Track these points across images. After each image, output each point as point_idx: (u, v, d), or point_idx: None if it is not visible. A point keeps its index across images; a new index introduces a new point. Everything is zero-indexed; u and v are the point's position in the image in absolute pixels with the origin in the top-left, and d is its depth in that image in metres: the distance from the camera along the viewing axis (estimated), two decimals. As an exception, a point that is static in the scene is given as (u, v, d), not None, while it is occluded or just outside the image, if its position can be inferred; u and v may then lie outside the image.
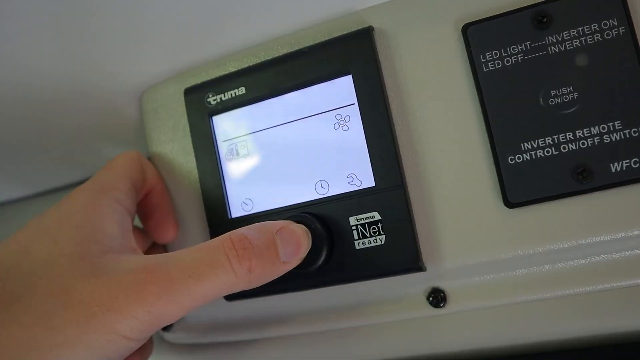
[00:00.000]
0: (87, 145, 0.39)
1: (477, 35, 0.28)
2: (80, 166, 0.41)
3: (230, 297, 0.32)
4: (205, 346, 0.36)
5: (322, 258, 0.29)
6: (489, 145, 0.28)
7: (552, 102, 0.27)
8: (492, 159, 0.28)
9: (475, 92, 0.28)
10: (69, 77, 0.33)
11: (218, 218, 0.32)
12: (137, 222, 0.33)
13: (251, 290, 0.30)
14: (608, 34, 0.26)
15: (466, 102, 0.29)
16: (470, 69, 0.28)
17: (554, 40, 0.27)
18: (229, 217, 0.32)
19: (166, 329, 0.37)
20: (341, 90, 0.30)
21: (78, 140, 0.38)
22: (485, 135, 0.28)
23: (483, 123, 0.28)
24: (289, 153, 0.31)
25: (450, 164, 0.29)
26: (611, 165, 0.26)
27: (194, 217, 0.34)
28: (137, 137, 0.38)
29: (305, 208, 0.30)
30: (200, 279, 0.23)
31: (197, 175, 0.34)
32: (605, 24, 0.27)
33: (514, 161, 0.28)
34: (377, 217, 0.29)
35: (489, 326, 0.30)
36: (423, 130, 0.29)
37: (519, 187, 0.27)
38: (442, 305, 0.30)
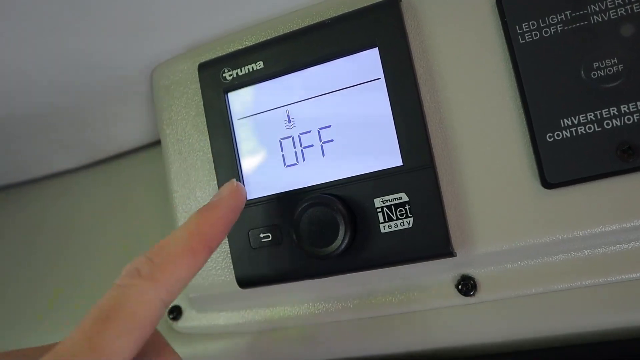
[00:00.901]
0: (97, 126, 0.37)
1: (513, 5, 0.27)
2: (90, 148, 0.40)
3: (243, 284, 0.30)
4: (216, 335, 0.34)
5: (345, 242, 0.27)
6: (525, 122, 0.27)
7: (594, 75, 0.25)
8: (529, 136, 0.26)
9: (511, 66, 0.27)
10: (78, 54, 0.31)
11: None
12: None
13: (267, 276, 0.29)
14: (657, 2, 0.25)
15: (501, 77, 0.27)
16: (505, 41, 0.27)
17: (597, 9, 0.26)
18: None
19: (175, 318, 0.35)
20: (366, 64, 0.28)
21: (87, 120, 0.37)
22: (522, 111, 0.27)
23: (519, 99, 0.27)
24: (309, 131, 0.29)
25: (483, 142, 0.27)
26: (659, 142, 0.24)
27: (206, 199, 0.32)
28: (148, 116, 0.36)
29: (326, 189, 0.29)
30: None
31: (210, 156, 0.32)
32: (653, -9, 0.25)
33: (552, 139, 0.26)
34: (405, 198, 0.27)
35: (522, 317, 0.29)
36: (454, 107, 0.28)
37: (558, 167, 0.26)
38: (472, 293, 0.28)
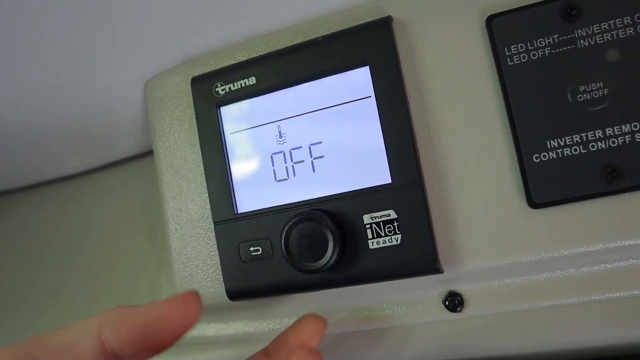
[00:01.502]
0: (90, 136, 0.38)
1: (502, 27, 0.27)
2: (83, 157, 0.40)
3: (233, 296, 0.30)
4: (206, 346, 0.35)
5: (334, 257, 0.28)
6: (512, 142, 0.27)
7: (580, 98, 0.26)
8: (516, 156, 0.27)
9: (499, 87, 0.27)
10: (71, 65, 0.32)
11: (224, 213, 0.31)
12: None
13: (257, 289, 0.29)
14: (641, 28, 0.25)
15: (489, 97, 0.28)
16: (494, 62, 0.27)
17: (584, 34, 0.26)
18: (235, 212, 0.31)
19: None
20: (357, 82, 0.29)
21: (81, 131, 0.37)
22: (509, 132, 0.27)
23: (507, 119, 0.27)
24: (300, 147, 0.30)
25: (471, 161, 0.28)
26: (642, 165, 0.25)
27: (198, 211, 0.33)
28: (142, 128, 0.36)
29: (316, 204, 0.29)
30: None
31: (202, 168, 0.32)
32: (638, 17, 0.25)
33: (539, 159, 0.26)
34: (393, 215, 0.28)
35: (508, 333, 0.29)
36: (443, 126, 0.28)
37: (544, 187, 0.26)
38: (459, 309, 0.29)
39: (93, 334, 0.22)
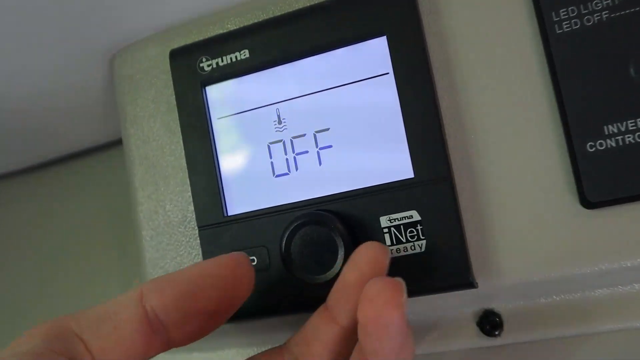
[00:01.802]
0: (43, 125, 0.38)
1: (548, -12, 0.27)
2: (36, 148, 0.40)
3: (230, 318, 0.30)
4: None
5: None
6: (562, 128, 0.27)
7: (645, 73, 0.26)
8: (566, 146, 0.27)
9: (545, 61, 0.27)
10: (11, 40, 0.32)
11: (210, 217, 0.31)
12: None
13: (251, 308, 0.29)
14: None
15: (533, 74, 0.28)
16: (538, 30, 0.27)
17: (650, -6, 0.26)
18: (225, 214, 0.31)
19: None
20: (372, 55, 0.29)
21: (37, 118, 0.37)
22: (558, 116, 0.27)
23: (555, 100, 0.27)
24: (303, 134, 0.30)
25: (510, 151, 0.28)
26: None
27: (178, 214, 0.33)
28: (107, 113, 0.37)
29: (323, 204, 0.29)
30: None
31: (184, 161, 0.33)
32: None
33: (594, 149, 0.26)
34: (416, 217, 0.28)
35: (556, 362, 0.29)
36: (476, 109, 0.28)
37: (601, 183, 0.26)
38: (496, 333, 0.29)
39: (134, 300, 0.25)
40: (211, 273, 0.25)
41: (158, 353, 0.25)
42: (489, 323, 0.29)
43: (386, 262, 0.25)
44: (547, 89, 0.27)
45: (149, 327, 0.24)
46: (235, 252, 0.26)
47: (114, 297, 0.25)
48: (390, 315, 0.22)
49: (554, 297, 0.29)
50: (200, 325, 0.25)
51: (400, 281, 0.23)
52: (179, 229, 0.33)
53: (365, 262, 0.25)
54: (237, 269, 0.26)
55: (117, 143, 0.41)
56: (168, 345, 0.25)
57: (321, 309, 0.27)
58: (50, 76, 0.35)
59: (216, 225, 0.31)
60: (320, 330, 0.26)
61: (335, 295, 0.26)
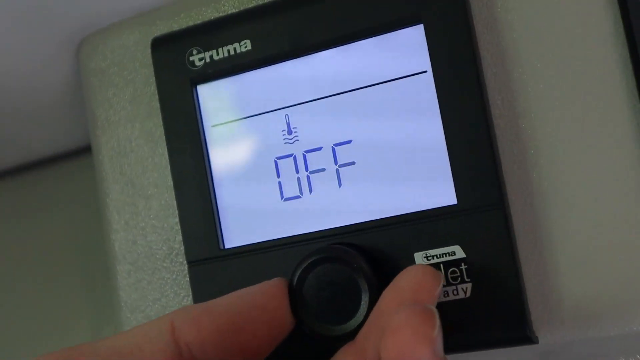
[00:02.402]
0: (1, 128, 0.43)
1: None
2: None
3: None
4: None
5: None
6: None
7: None
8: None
9: (628, 53, 0.31)
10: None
11: (203, 250, 0.35)
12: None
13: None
14: None
15: (614, 74, 0.31)
16: (619, 12, 0.31)
17: None
18: (221, 247, 0.35)
19: None
20: (405, 48, 0.33)
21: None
22: None
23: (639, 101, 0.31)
24: (319, 148, 0.34)
25: (582, 172, 0.31)
26: None
27: (162, 246, 0.38)
28: (74, 114, 0.41)
29: (342, 237, 0.33)
30: None
31: (170, 179, 0.37)
32: None
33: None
34: (460, 253, 0.32)
35: None
36: (538, 118, 0.32)
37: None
38: (562, 399, 0.33)
39: (164, 333, 0.28)
40: (257, 304, 0.30)
41: None
42: (554, 387, 0.33)
43: (435, 292, 0.28)
44: (629, 85, 0.31)
45: None
46: (278, 279, 0.31)
47: (136, 326, 0.29)
48: (418, 352, 0.24)
49: (638, 356, 0.33)
50: None
51: (432, 309, 0.26)
52: (164, 264, 0.38)
53: (408, 287, 0.28)
54: (284, 299, 0.31)
55: (85, 152, 0.45)
56: None
57: (348, 345, 0.31)
58: (9, 64, 0.39)
59: (210, 261, 0.35)
60: None
61: (367, 327, 0.30)
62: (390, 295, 0.29)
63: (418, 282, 0.29)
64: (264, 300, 0.30)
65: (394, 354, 0.25)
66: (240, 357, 0.30)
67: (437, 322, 0.25)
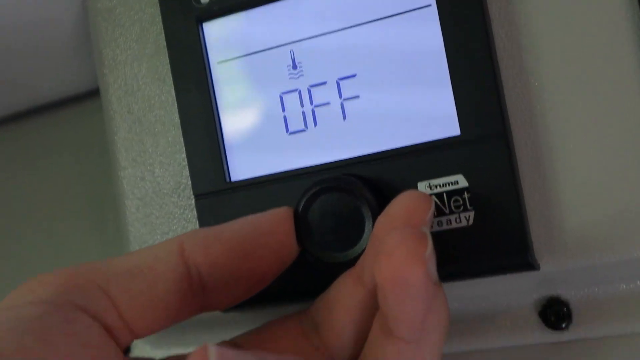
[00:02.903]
0: (6, 71, 0.43)
1: None
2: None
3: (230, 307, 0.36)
4: None
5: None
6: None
7: None
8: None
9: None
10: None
11: (210, 184, 0.36)
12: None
13: (265, 294, 0.35)
14: None
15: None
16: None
17: None
18: (227, 180, 0.36)
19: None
20: (410, -19, 0.33)
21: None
22: None
23: None
24: (324, 82, 0.35)
25: (585, 101, 0.32)
26: None
27: (170, 180, 0.39)
28: (81, 55, 0.42)
29: (348, 168, 0.34)
30: None
31: (176, 116, 0.38)
32: None
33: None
34: (463, 182, 0.32)
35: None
36: (542, 51, 0.33)
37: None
38: (563, 326, 0.34)
39: (174, 254, 0.30)
40: (265, 230, 0.31)
41: (188, 318, 0.31)
42: (554, 314, 0.34)
43: (425, 214, 0.29)
44: (636, 17, 0.31)
45: (188, 287, 0.29)
46: (284, 207, 0.33)
47: (145, 247, 0.30)
48: (410, 272, 0.25)
49: (638, 282, 0.33)
50: (243, 289, 0.31)
51: (423, 230, 0.27)
52: (171, 199, 0.39)
53: (400, 213, 0.29)
54: (291, 226, 0.32)
55: (94, 93, 0.46)
56: (202, 309, 0.31)
57: (348, 271, 0.32)
58: (3, 10, 0.40)
59: (217, 194, 0.36)
60: (344, 294, 0.31)
61: (365, 253, 0.31)
62: (383, 221, 0.30)
63: (409, 207, 0.29)
64: (271, 227, 0.32)
65: (388, 275, 0.26)
66: (246, 283, 0.31)
67: (429, 243, 0.26)
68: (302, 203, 0.34)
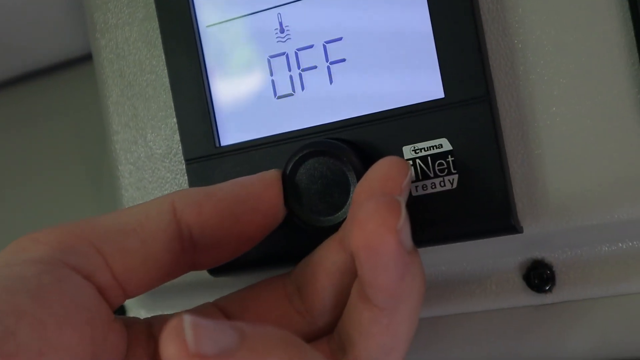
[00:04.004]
0: None
1: None
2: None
3: (214, 269, 0.37)
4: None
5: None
6: (634, 34, 0.31)
7: None
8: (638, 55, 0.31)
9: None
10: None
11: (200, 148, 0.37)
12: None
13: (248, 257, 0.36)
14: None
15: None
16: None
17: None
18: (217, 145, 0.37)
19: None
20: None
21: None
22: (630, 23, 0.31)
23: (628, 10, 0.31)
24: (311, 46, 0.35)
25: (568, 65, 0.32)
26: None
27: (162, 145, 0.39)
28: (73, 19, 0.43)
29: (333, 132, 0.35)
30: None
31: (166, 80, 0.39)
32: None
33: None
34: (447, 146, 0.33)
35: (624, 326, 0.35)
36: (526, 11, 0.33)
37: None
38: (547, 288, 0.35)
39: (166, 213, 0.30)
40: (255, 193, 0.32)
41: (178, 276, 0.32)
42: (538, 276, 0.35)
43: (401, 181, 0.30)
44: None
45: (179, 245, 0.30)
46: (273, 170, 0.33)
47: (138, 204, 0.31)
48: (382, 242, 0.26)
49: (619, 244, 0.34)
50: (231, 249, 0.32)
51: (397, 199, 0.27)
52: (163, 163, 0.40)
53: (377, 178, 0.30)
54: (279, 189, 0.33)
55: (87, 58, 0.47)
56: (190, 267, 0.32)
57: (332, 235, 0.33)
58: None
59: (207, 158, 0.37)
60: (327, 259, 0.32)
61: (347, 221, 0.32)
62: (361, 187, 0.31)
63: (386, 173, 0.30)
64: (260, 189, 0.32)
65: (361, 244, 0.27)
66: (235, 243, 0.32)
67: (403, 212, 0.27)
68: (290, 166, 0.34)
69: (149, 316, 0.34)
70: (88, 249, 0.29)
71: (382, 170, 0.30)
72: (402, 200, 0.28)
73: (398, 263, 0.27)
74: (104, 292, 0.30)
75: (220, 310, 0.34)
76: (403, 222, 0.27)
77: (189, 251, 0.31)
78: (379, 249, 0.26)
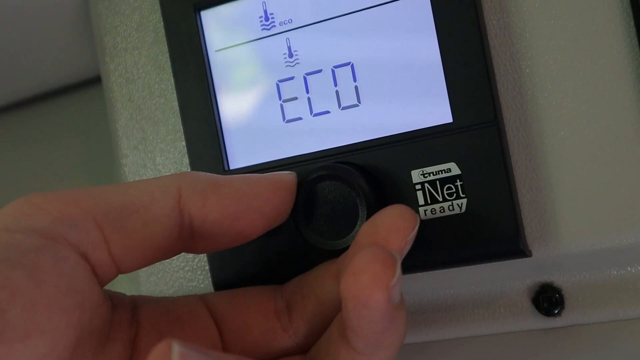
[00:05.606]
0: (6, 58, 0.45)
1: None
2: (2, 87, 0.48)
3: (219, 285, 0.38)
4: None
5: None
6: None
7: None
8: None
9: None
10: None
11: (209, 170, 0.37)
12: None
13: (256, 278, 0.36)
14: None
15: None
16: None
17: None
18: (226, 168, 0.38)
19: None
20: (403, -31, 0.34)
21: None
22: (638, 49, 0.32)
23: (633, 23, 0.32)
24: (319, 70, 0.36)
25: (575, 90, 0.33)
26: None
27: (170, 167, 0.40)
28: (82, 43, 0.43)
29: (342, 156, 0.35)
30: None
31: (175, 103, 0.39)
32: None
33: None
34: (455, 170, 0.33)
35: (633, 350, 0.35)
36: (533, 37, 0.34)
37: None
38: (556, 312, 0.35)
39: (170, 199, 0.31)
40: (263, 195, 0.32)
41: (171, 257, 0.32)
42: (547, 300, 0.35)
43: (407, 234, 0.30)
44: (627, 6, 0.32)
45: (178, 232, 0.31)
46: (289, 173, 0.34)
47: (142, 180, 0.31)
48: (372, 297, 0.26)
49: (628, 268, 0.35)
50: (226, 242, 0.32)
51: (394, 256, 0.27)
52: (170, 189, 0.40)
53: (384, 225, 0.30)
54: (289, 195, 0.33)
55: (96, 80, 0.47)
56: (183, 250, 0.32)
57: (330, 262, 0.33)
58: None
59: (216, 182, 0.38)
60: (320, 286, 0.33)
61: (347, 255, 0.32)
62: (366, 229, 0.31)
63: (393, 222, 0.30)
64: (270, 192, 0.33)
65: (352, 294, 0.27)
66: (231, 237, 0.32)
67: (397, 270, 0.27)
68: (300, 191, 0.35)
69: (135, 294, 0.35)
70: (89, 225, 0.29)
71: (391, 218, 0.31)
72: (400, 257, 0.28)
73: (385, 317, 0.27)
74: (98, 269, 0.30)
75: (206, 306, 0.35)
76: (396, 280, 0.27)
77: (186, 237, 0.32)
78: (368, 302, 0.27)
